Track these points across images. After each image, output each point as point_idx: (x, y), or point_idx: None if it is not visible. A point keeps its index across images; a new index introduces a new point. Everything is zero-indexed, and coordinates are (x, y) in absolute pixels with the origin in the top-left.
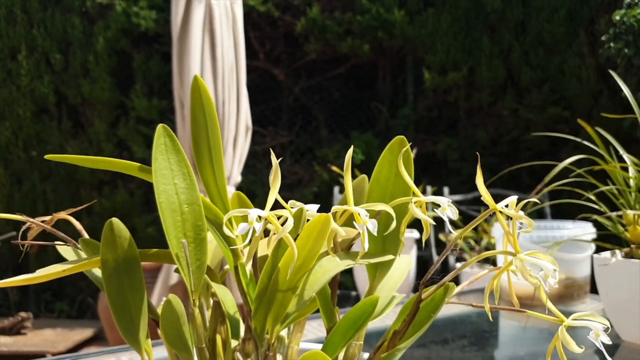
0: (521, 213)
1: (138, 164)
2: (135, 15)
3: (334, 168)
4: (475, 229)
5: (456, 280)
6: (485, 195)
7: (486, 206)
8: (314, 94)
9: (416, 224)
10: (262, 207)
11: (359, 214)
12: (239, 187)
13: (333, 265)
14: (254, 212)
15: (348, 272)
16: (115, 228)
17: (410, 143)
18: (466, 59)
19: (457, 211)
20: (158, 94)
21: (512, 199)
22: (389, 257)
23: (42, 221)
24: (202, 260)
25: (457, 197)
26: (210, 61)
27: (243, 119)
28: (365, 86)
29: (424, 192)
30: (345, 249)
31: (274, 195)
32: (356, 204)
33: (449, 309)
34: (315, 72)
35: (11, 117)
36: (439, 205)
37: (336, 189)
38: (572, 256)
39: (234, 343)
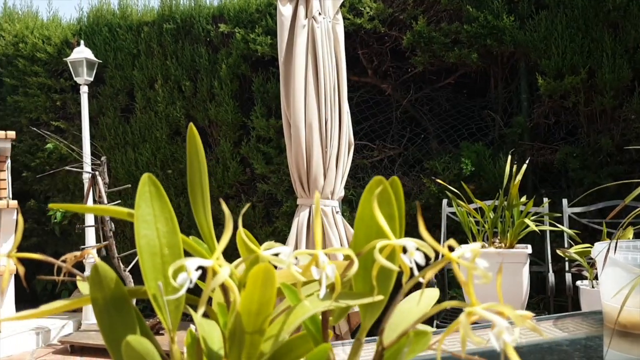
0: (479, 262)
1: (127, 210)
2: (253, 42)
3: (439, 181)
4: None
5: (575, 295)
6: (433, 244)
7: (612, 218)
8: (422, 105)
9: (531, 238)
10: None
11: (320, 259)
12: (346, 200)
13: (313, 306)
14: (192, 263)
15: (459, 287)
16: (101, 270)
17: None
18: (585, 61)
19: (426, 255)
20: (275, 114)
21: (473, 246)
22: (378, 297)
23: (75, 256)
24: (179, 301)
25: (578, 210)
26: (313, 82)
27: (345, 136)
28: (476, 95)
29: (538, 204)
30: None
31: (224, 241)
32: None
33: (537, 336)
34: (424, 84)
35: (150, 139)
36: (555, 219)
37: (444, 201)
38: None
39: None
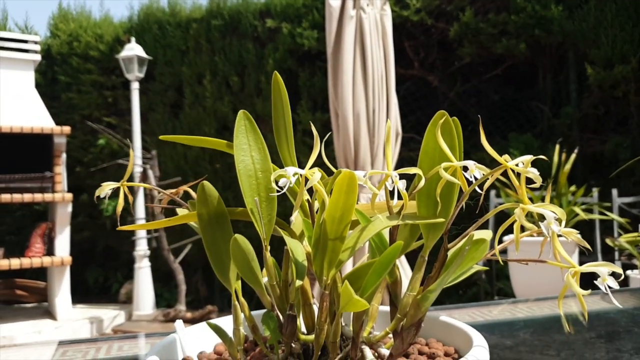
0: (532, 170)
1: (225, 142)
2: (299, 36)
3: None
4: None
5: (625, 286)
6: (492, 153)
7: None
8: (469, 97)
9: (580, 230)
10: None
11: (391, 176)
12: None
13: (383, 223)
14: (291, 170)
15: (507, 279)
16: (207, 189)
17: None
18: (636, 50)
19: (485, 171)
20: (321, 108)
21: (526, 157)
22: (440, 219)
23: (171, 192)
24: (272, 215)
25: (628, 200)
26: (361, 73)
27: (393, 126)
28: (524, 86)
29: (587, 194)
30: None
31: (314, 156)
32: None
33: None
34: (471, 76)
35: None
36: (605, 209)
37: (492, 192)
38: None
39: (299, 283)
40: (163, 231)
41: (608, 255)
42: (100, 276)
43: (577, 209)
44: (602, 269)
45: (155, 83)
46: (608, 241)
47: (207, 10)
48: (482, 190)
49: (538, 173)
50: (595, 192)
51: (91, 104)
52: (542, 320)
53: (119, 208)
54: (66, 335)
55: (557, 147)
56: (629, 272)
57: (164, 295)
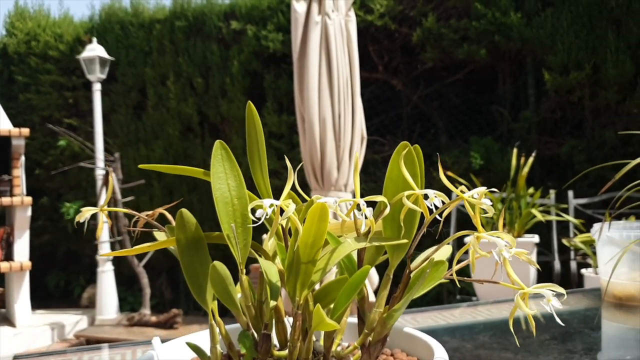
0: (485, 201)
1: (202, 170)
2: (264, 39)
3: (449, 174)
4: None
5: (580, 284)
6: (447, 184)
7: (611, 208)
8: (432, 101)
9: (538, 230)
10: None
11: (359, 204)
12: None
13: (352, 245)
14: (267, 202)
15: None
16: (185, 216)
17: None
18: (589, 57)
19: (445, 199)
20: (287, 110)
21: (481, 189)
22: (404, 241)
23: (147, 214)
24: (247, 240)
25: (583, 201)
26: (327, 78)
27: (358, 130)
28: (485, 90)
29: (544, 196)
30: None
31: (289, 186)
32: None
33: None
34: (433, 80)
35: (163, 136)
36: (561, 210)
37: (453, 195)
38: None
39: (273, 303)
40: (127, 235)
41: (564, 254)
42: (61, 280)
43: (534, 211)
44: (546, 290)
45: (118, 84)
46: (564, 241)
47: (171, 11)
48: (441, 217)
49: (491, 203)
50: (552, 194)
51: (51, 105)
52: (501, 322)
53: (99, 232)
54: (26, 343)
55: (516, 150)
56: (583, 270)
57: (128, 299)
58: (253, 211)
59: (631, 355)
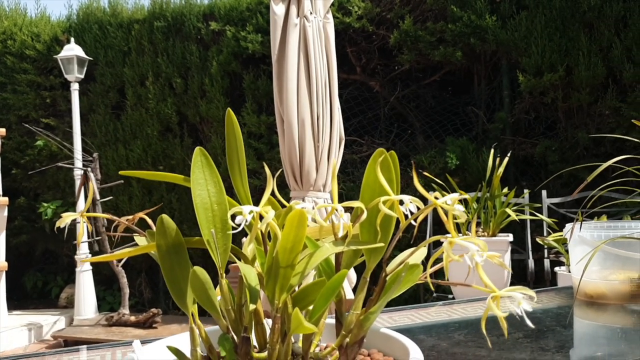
0: (457, 207)
1: (182, 176)
2: (244, 39)
3: (425, 174)
4: None
5: (553, 281)
6: (423, 192)
7: (584, 207)
8: (409, 102)
9: (513, 229)
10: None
11: (337, 209)
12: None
13: (329, 250)
14: (247, 208)
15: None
16: (165, 222)
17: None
18: (562, 59)
19: (420, 204)
20: (266, 110)
21: (454, 195)
22: (380, 244)
23: (127, 219)
24: (227, 245)
25: (556, 200)
26: (305, 80)
27: (336, 131)
28: (461, 92)
29: (519, 195)
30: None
31: (268, 192)
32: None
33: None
34: (410, 81)
35: (141, 136)
36: (535, 209)
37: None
38: None
39: (252, 307)
40: (105, 234)
41: (538, 252)
42: (39, 281)
43: (509, 211)
44: (516, 293)
45: (96, 84)
46: (538, 240)
47: (150, 11)
48: (416, 222)
49: (463, 209)
50: (526, 193)
51: (28, 105)
52: (476, 321)
53: (79, 239)
54: (2, 344)
55: (492, 151)
56: (557, 268)
57: (107, 298)
58: (233, 217)
59: (602, 352)
